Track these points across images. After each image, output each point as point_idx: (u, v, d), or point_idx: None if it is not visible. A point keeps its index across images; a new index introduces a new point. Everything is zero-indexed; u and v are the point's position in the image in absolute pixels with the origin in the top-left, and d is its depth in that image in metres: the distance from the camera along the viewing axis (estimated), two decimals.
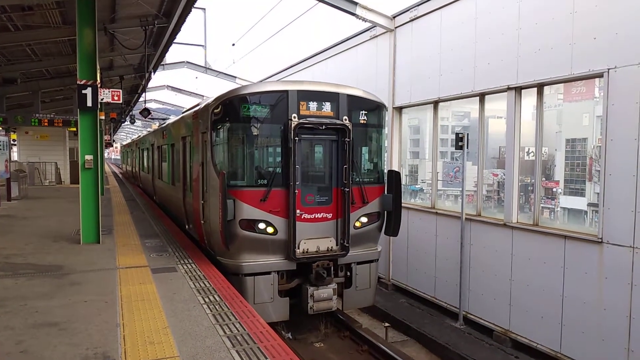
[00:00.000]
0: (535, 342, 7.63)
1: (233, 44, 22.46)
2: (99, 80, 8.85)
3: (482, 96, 8.85)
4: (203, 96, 25.19)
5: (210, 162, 7.56)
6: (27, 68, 15.98)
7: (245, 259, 7.20)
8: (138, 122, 34.18)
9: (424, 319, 9.44)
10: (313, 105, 7.38)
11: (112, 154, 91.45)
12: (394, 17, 11.27)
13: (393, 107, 11.29)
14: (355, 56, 13.22)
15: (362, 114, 7.87)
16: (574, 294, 7.00)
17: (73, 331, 4.52)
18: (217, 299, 5.66)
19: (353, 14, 11.26)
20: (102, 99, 12.38)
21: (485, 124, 9.03)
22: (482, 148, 9.01)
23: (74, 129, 19.06)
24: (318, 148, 7.88)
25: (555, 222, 8.22)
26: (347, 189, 7.52)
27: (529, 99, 8.02)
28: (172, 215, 12.32)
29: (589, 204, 8.11)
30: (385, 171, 8.42)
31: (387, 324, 8.77)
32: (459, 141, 8.68)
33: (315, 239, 7.43)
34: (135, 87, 22.86)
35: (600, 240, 6.61)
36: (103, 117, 18.80)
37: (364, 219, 7.86)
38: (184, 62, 23.17)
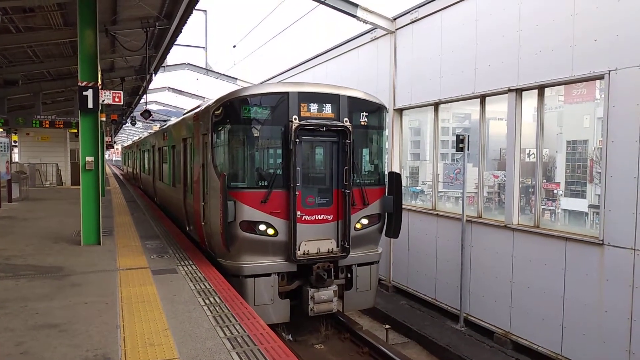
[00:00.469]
0: (536, 344, 7.62)
1: (234, 46, 22.47)
2: (100, 82, 8.85)
3: (482, 98, 8.85)
4: (204, 98, 25.22)
5: (211, 164, 7.56)
6: (28, 70, 16.00)
7: (245, 261, 7.19)
8: (139, 124, 34.17)
9: (425, 320, 9.42)
10: (314, 106, 7.39)
11: (113, 155, 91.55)
12: (395, 19, 11.28)
13: (394, 109, 11.30)
14: (356, 58, 13.23)
15: (362, 115, 7.87)
16: (575, 296, 6.99)
17: (73, 332, 4.52)
18: (218, 300, 5.66)
19: (354, 16, 11.28)
20: (103, 101, 12.36)
21: (486, 125, 9.03)
22: (483, 150, 9.01)
23: (75, 131, 19.08)
24: (319, 150, 7.88)
25: (556, 223, 8.21)
26: (348, 191, 7.52)
27: (530, 100, 8.02)
28: (173, 217, 12.32)
29: (590, 206, 8.09)
30: (386, 173, 8.42)
31: (387, 326, 8.75)
32: (460, 143, 8.67)
33: (315, 240, 7.43)
34: (136, 89, 22.88)
35: (601, 242, 6.60)
36: (104, 119, 18.82)
37: (365, 221, 7.86)
38: (185, 63, 23.18)
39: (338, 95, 7.61)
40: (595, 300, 6.71)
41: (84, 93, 8.38)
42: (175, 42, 13.94)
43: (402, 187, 8.40)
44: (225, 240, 6.99)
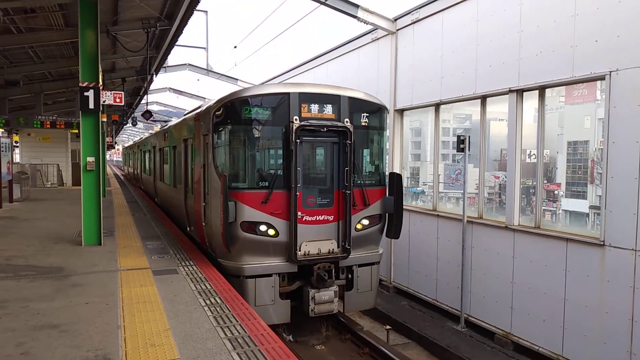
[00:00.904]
0: (537, 345, 7.61)
1: (235, 47, 22.35)
2: (101, 83, 8.86)
3: (483, 99, 8.85)
4: (205, 98, 25.22)
5: (211, 164, 7.57)
6: (29, 70, 16.02)
7: (246, 261, 7.20)
8: (140, 124, 34.22)
9: (425, 321, 9.42)
10: (314, 107, 7.39)
11: (114, 156, 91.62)
12: (396, 20, 11.28)
13: (394, 110, 11.30)
14: (357, 58, 13.24)
15: (363, 116, 7.87)
16: (576, 296, 6.98)
17: (74, 333, 4.53)
18: (218, 301, 5.66)
19: (355, 17, 11.28)
20: (104, 101, 12.36)
21: (487, 126, 9.03)
22: (484, 150, 9.01)
23: (76, 131, 19.09)
24: (319, 150, 7.88)
25: (557, 224, 8.20)
26: (349, 191, 7.52)
27: (531, 101, 8.02)
28: (174, 217, 12.33)
29: (591, 207, 8.08)
30: (387, 173, 8.42)
31: (388, 327, 8.74)
32: (461, 143, 8.67)
33: (316, 241, 7.43)
34: (137, 90, 22.89)
35: (602, 243, 6.59)
36: (105, 119, 18.82)
37: (365, 222, 7.86)
38: (185, 64, 23.20)
39: (339, 96, 7.61)
40: (596, 301, 6.70)
41: (85, 94, 8.39)
42: (176, 43, 13.95)
43: (403, 188, 8.40)
44: (226, 240, 6.99)
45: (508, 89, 8.14)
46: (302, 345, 7.75)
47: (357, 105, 7.81)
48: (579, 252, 6.96)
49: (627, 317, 6.31)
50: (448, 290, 9.60)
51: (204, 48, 21.32)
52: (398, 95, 11.30)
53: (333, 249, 7.55)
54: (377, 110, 8.15)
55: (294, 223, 7.19)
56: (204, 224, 8.15)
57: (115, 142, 52.64)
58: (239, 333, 4.68)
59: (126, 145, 53.53)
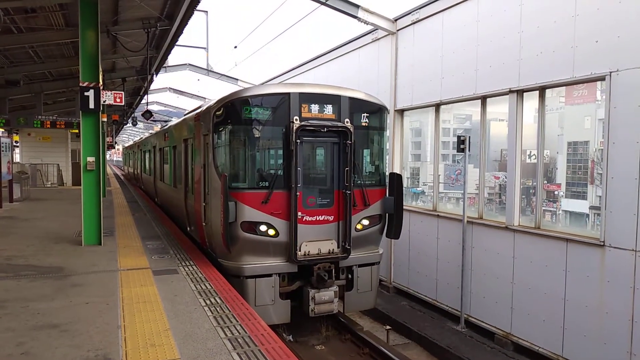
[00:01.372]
0: (537, 346, 7.61)
1: (235, 47, 22.34)
2: (101, 83, 8.87)
3: (483, 99, 8.85)
4: (205, 98, 25.22)
5: (212, 164, 7.57)
6: (30, 70, 16.03)
7: (246, 261, 7.20)
8: (140, 124, 34.23)
9: (425, 321, 9.42)
10: (315, 107, 7.40)
11: (114, 155, 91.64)
12: (396, 20, 11.28)
13: (395, 110, 11.30)
14: (357, 59, 13.24)
15: (363, 116, 7.88)
16: (576, 297, 6.98)
17: (74, 333, 4.53)
18: (219, 301, 5.66)
19: (355, 17, 11.28)
20: (104, 101, 12.37)
21: (487, 126, 9.03)
22: (484, 151, 9.01)
23: (76, 131, 19.08)
24: (319, 150, 7.89)
25: (557, 225, 8.20)
26: (349, 192, 7.52)
27: (531, 101, 8.02)
28: (174, 217, 12.33)
29: (591, 207, 8.08)
30: (387, 174, 8.42)
31: (388, 327, 8.74)
32: (461, 144, 8.67)
33: (316, 241, 7.43)
34: (138, 89, 22.90)
35: (602, 243, 6.59)
36: (105, 119, 18.83)
37: (366, 222, 7.86)
38: (186, 64, 23.21)
39: (339, 96, 7.62)
40: (596, 302, 6.70)
41: (86, 93, 8.39)
42: (177, 43, 13.96)
43: (403, 188, 8.40)
44: (226, 240, 6.99)
45: (508, 90, 8.14)
46: (302, 346, 7.75)
47: (358, 106, 7.82)
48: (579, 252, 6.96)
49: (627, 318, 6.31)
50: (448, 291, 9.60)
51: (204, 48, 21.33)
52: (398, 95, 11.30)
53: (333, 249, 7.55)
54: (377, 111, 8.15)
55: (294, 223, 7.19)
56: (204, 224, 8.15)
57: (116, 142, 52.64)
58: (239, 333, 4.69)
59: (126, 145, 53.53)
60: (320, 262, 7.46)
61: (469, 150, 8.73)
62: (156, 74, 18.61)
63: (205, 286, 6.25)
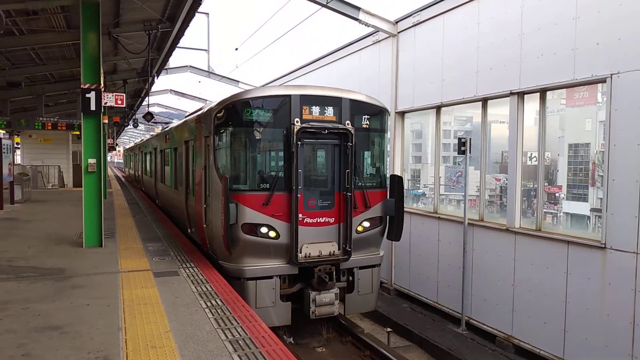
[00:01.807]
0: (538, 348, 7.60)
1: (236, 49, 22.41)
2: (102, 85, 8.88)
3: (484, 101, 8.85)
4: (206, 100, 25.24)
5: (213, 166, 7.57)
6: (31, 72, 16.07)
7: (247, 263, 7.19)
8: (141, 126, 34.30)
9: (426, 324, 9.40)
10: (316, 109, 7.40)
11: (115, 157, 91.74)
12: (397, 22, 11.30)
13: (395, 112, 11.30)
14: (358, 61, 13.25)
15: (364, 118, 7.88)
16: (577, 299, 6.97)
17: (75, 335, 4.53)
18: (219, 303, 5.66)
19: (356, 19, 11.30)
20: (105, 103, 12.44)
21: (488, 128, 9.03)
22: (485, 153, 9.01)
23: (77, 133, 19.12)
24: (320, 152, 7.89)
25: (558, 227, 8.19)
26: (350, 194, 7.52)
27: (532, 104, 8.02)
28: (175, 219, 12.33)
29: (592, 209, 8.07)
30: (388, 176, 8.42)
31: (389, 329, 8.74)
32: (462, 146, 8.67)
33: (317, 243, 7.43)
34: (139, 91, 22.93)
35: (603, 245, 6.58)
36: (106, 121, 18.87)
37: (366, 224, 7.85)
38: (187, 66, 23.25)
39: (340, 98, 7.62)
40: (598, 304, 6.69)
41: (87, 95, 8.41)
42: (178, 45, 13.99)
43: (404, 190, 8.40)
44: (227, 242, 6.99)
45: (509, 92, 8.14)
46: (303, 348, 7.74)
47: (358, 108, 7.82)
48: (580, 254, 6.95)
49: (628, 320, 6.30)
50: (449, 293, 9.59)
51: (205, 50, 21.40)
52: (399, 97, 11.31)
53: (334, 251, 7.54)
54: (378, 113, 8.16)
55: (295, 225, 7.19)
56: (205, 225, 8.15)
57: (116, 144, 52.72)
58: (240, 335, 4.68)
59: (127, 147, 53.58)
60: (321, 264, 7.45)
61: (470, 152, 8.73)
62: (157, 76, 18.63)
63: (206, 288, 6.25)
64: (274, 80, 20.70)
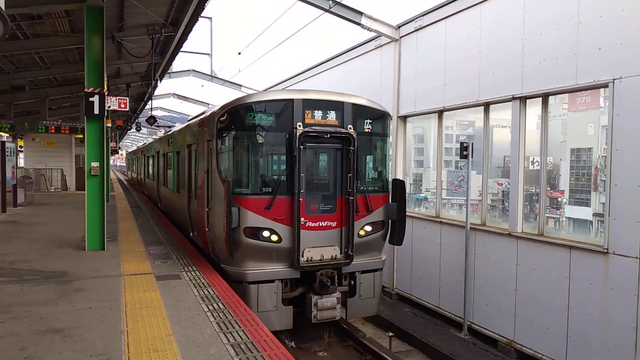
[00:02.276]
0: (540, 354, 7.57)
1: (239, 53, 22.51)
2: (106, 88, 8.93)
3: (486, 106, 8.87)
4: (209, 104, 25.33)
5: (215, 170, 7.59)
6: (35, 75, 16.16)
7: (249, 267, 7.20)
8: (144, 130, 34.41)
9: (428, 328, 9.38)
10: (318, 114, 7.42)
11: (118, 161, 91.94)
12: (399, 27, 11.33)
13: (398, 116, 11.32)
14: (361, 65, 13.29)
15: (366, 122, 7.89)
16: (580, 305, 6.95)
17: (77, 338, 4.54)
18: (221, 306, 5.67)
19: (358, 24, 11.34)
20: (109, 107, 12.49)
21: (490, 133, 9.04)
22: (487, 157, 9.01)
23: (80, 136, 19.21)
24: (323, 156, 7.90)
25: (560, 232, 8.18)
26: (352, 198, 7.53)
27: (534, 108, 8.03)
28: (177, 223, 12.35)
29: (595, 214, 8.06)
30: (390, 180, 8.43)
31: (391, 334, 8.72)
32: (464, 150, 8.68)
33: (319, 247, 7.43)
34: (142, 95, 23.04)
35: (605, 250, 6.57)
36: (109, 125, 18.93)
37: (368, 228, 7.85)
38: (190, 70, 23.35)
39: (342, 103, 7.64)
40: (600, 310, 6.67)
41: (90, 99, 8.45)
42: (181, 49, 14.06)
43: (406, 194, 8.40)
44: (229, 246, 7.00)
45: (511, 96, 8.15)
46: (305, 352, 7.73)
47: (361, 112, 7.84)
48: (582, 259, 6.93)
49: (631, 326, 6.27)
50: (451, 298, 9.56)
51: (208, 54, 21.50)
52: (401, 101, 11.32)
53: (336, 255, 7.54)
54: (380, 117, 8.17)
55: (297, 229, 7.20)
56: (207, 229, 8.17)
57: (119, 147, 52.87)
58: (242, 339, 4.68)
59: (130, 150, 53.71)
60: (323, 268, 7.45)
61: (472, 157, 8.73)
62: (160, 80, 18.73)
63: (208, 292, 6.25)
64: (276, 85, 20.76)
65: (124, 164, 77.57)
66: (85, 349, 4.29)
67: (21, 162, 23.82)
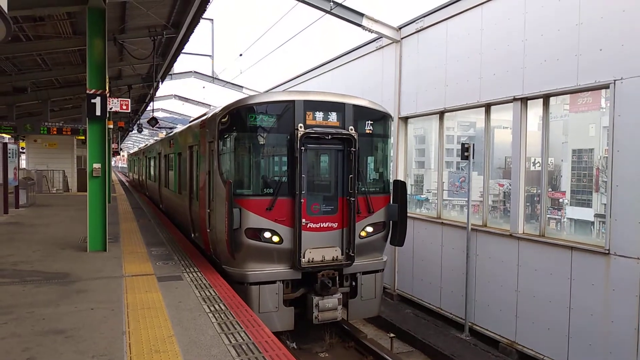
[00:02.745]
0: (542, 354, 7.56)
1: (240, 54, 22.69)
2: (107, 90, 8.95)
3: (487, 106, 8.87)
4: (210, 106, 25.38)
5: (216, 171, 7.61)
6: (37, 77, 16.21)
7: (250, 268, 7.21)
8: (145, 131, 34.44)
9: (430, 329, 9.38)
10: (319, 115, 7.43)
11: (119, 162, 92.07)
12: (400, 28, 11.35)
13: (399, 117, 11.33)
14: (362, 66, 13.30)
15: (367, 123, 7.91)
16: (581, 305, 6.95)
17: (79, 339, 4.55)
18: (223, 307, 5.68)
19: (359, 25, 11.36)
20: (110, 108, 12.51)
21: (491, 134, 9.04)
22: (488, 158, 9.01)
23: (82, 138, 19.25)
24: (324, 157, 7.91)
25: (561, 233, 8.17)
26: (353, 199, 7.54)
27: (535, 109, 8.03)
28: (178, 224, 12.37)
29: (596, 215, 8.05)
30: (391, 181, 8.43)
31: (392, 335, 8.71)
32: (465, 151, 8.68)
33: (320, 248, 7.44)
34: (143, 96, 23.08)
35: (607, 251, 6.57)
36: (111, 126, 18.98)
37: (370, 229, 7.86)
38: (191, 71, 23.38)
39: (343, 104, 7.65)
40: (602, 310, 6.66)
41: (92, 101, 8.47)
42: (182, 51, 14.10)
43: (407, 195, 8.41)
44: (231, 247, 7.01)
45: (512, 97, 8.16)
46: (306, 353, 7.73)
47: (362, 113, 7.85)
48: (584, 260, 6.93)
49: (633, 327, 6.27)
50: (452, 298, 9.56)
51: (209, 56, 21.50)
52: (402, 102, 11.33)
53: (337, 256, 7.55)
54: (381, 118, 8.18)
55: (298, 230, 7.21)
56: (208, 230, 8.18)
57: (121, 149, 52.95)
58: (243, 340, 4.69)
59: (131, 151, 53.77)
60: (324, 269, 7.45)
61: (473, 158, 8.73)
62: (162, 81, 18.77)
63: (210, 293, 6.27)
64: (278, 86, 20.78)
65: (125, 166, 77.66)
66: (87, 349, 4.30)
67: (23, 164, 23.88)
